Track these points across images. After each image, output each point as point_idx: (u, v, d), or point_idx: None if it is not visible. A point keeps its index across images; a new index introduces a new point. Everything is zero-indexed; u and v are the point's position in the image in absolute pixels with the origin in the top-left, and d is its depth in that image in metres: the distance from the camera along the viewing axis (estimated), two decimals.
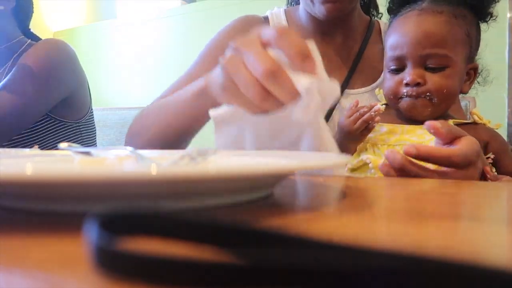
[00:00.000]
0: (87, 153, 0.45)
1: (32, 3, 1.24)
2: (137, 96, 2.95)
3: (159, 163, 0.37)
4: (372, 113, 0.68)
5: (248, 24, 0.91)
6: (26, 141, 1.10)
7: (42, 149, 0.56)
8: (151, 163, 0.37)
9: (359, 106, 0.71)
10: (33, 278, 0.16)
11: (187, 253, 0.17)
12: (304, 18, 0.91)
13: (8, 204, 0.28)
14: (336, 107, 0.87)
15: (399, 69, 0.72)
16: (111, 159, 0.40)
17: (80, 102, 1.20)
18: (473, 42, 0.74)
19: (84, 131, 1.22)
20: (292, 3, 1.02)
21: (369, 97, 0.88)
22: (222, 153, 0.41)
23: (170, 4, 2.98)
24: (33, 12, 1.25)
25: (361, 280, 0.13)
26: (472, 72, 0.76)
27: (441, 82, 0.69)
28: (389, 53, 0.74)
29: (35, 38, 1.22)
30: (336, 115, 0.87)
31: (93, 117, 1.28)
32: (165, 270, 0.14)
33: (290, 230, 0.17)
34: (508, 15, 1.32)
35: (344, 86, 0.87)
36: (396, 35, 0.73)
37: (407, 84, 0.70)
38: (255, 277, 0.14)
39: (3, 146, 1.03)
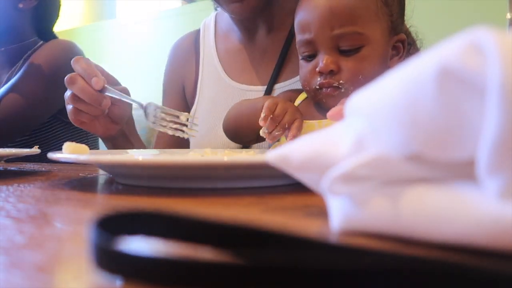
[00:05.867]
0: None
1: (58, 8, 1.22)
2: (137, 96, 2.93)
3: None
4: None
5: (182, 48, 0.94)
6: (32, 142, 1.09)
7: (46, 150, 0.56)
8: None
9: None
10: (33, 278, 0.16)
11: (187, 253, 0.17)
12: (228, 18, 0.86)
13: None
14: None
15: (312, 55, 0.63)
16: (194, 153, 0.56)
17: None
18: (394, 10, 0.63)
19: (90, 134, 1.21)
20: (217, 8, 0.93)
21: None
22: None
23: (170, 4, 2.98)
24: (58, 16, 1.23)
25: (360, 280, 0.13)
26: (400, 46, 0.65)
27: (356, 68, 0.60)
28: (298, 36, 0.64)
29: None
30: None
31: None
32: (165, 270, 0.14)
33: (290, 230, 0.17)
34: (508, 15, 1.32)
35: (273, 81, 0.79)
36: (302, 15, 0.63)
37: (320, 73, 0.61)
38: (255, 277, 0.14)
39: (9, 147, 1.02)
